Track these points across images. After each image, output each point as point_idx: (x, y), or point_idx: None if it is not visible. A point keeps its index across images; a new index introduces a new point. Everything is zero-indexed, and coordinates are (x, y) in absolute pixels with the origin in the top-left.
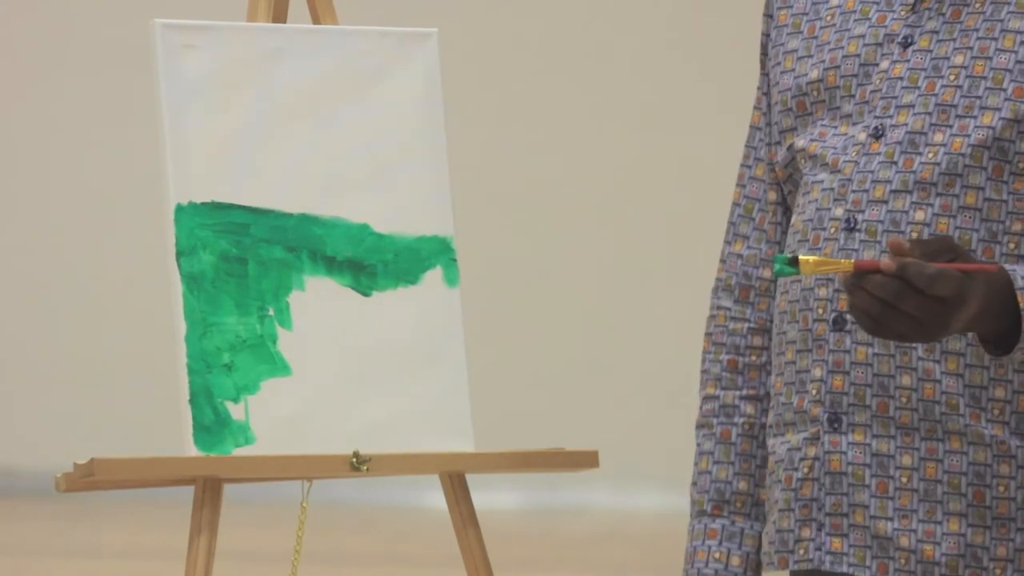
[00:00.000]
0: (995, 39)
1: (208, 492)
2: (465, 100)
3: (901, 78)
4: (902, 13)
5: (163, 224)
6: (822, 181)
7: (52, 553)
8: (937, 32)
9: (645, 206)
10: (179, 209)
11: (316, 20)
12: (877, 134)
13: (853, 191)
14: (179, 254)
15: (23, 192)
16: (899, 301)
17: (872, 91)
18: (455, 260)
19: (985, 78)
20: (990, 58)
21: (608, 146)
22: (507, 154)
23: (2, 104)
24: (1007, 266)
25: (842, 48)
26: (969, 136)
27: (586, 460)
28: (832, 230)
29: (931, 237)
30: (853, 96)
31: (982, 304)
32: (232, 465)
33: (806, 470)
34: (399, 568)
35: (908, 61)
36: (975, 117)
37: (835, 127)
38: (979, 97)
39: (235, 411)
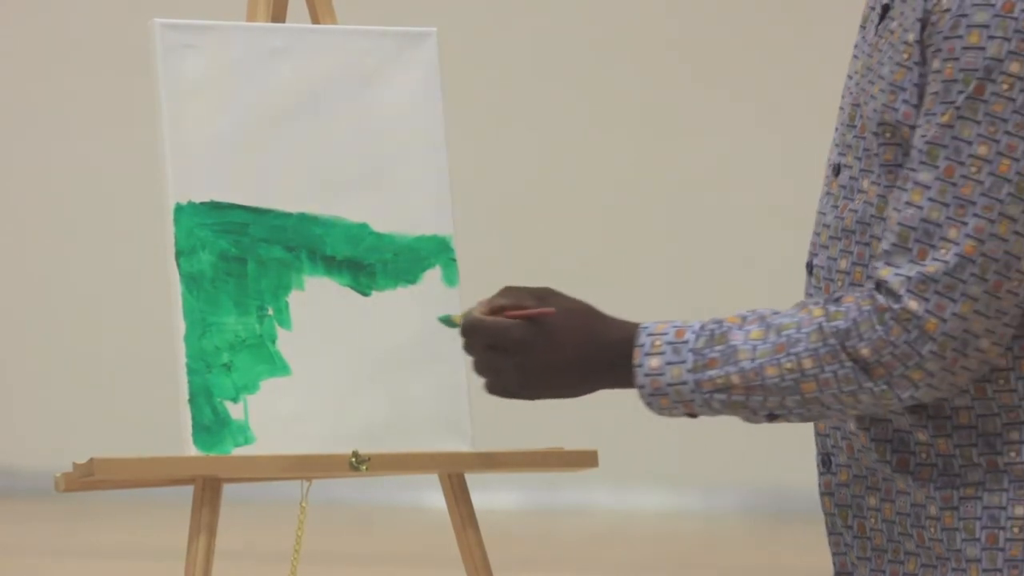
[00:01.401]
0: (873, 83)
1: (207, 492)
2: (465, 100)
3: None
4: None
5: (162, 224)
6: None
7: (52, 553)
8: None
9: (645, 206)
10: (178, 209)
11: (316, 20)
12: (836, 172)
13: (815, 232)
14: (178, 254)
15: (23, 192)
16: (467, 349)
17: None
18: (455, 260)
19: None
20: (865, 104)
21: (608, 146)
22: (507, 154)
23: (2, 104)
24: (644, 324)
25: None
26: (879, 184)
27: (586, 460)
28: (806, 272)
29: (536, 287)
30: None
31: (579, 356)
32: (231, 465)
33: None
34: (399, 568)
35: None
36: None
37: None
38: None
39: (234, 411)
